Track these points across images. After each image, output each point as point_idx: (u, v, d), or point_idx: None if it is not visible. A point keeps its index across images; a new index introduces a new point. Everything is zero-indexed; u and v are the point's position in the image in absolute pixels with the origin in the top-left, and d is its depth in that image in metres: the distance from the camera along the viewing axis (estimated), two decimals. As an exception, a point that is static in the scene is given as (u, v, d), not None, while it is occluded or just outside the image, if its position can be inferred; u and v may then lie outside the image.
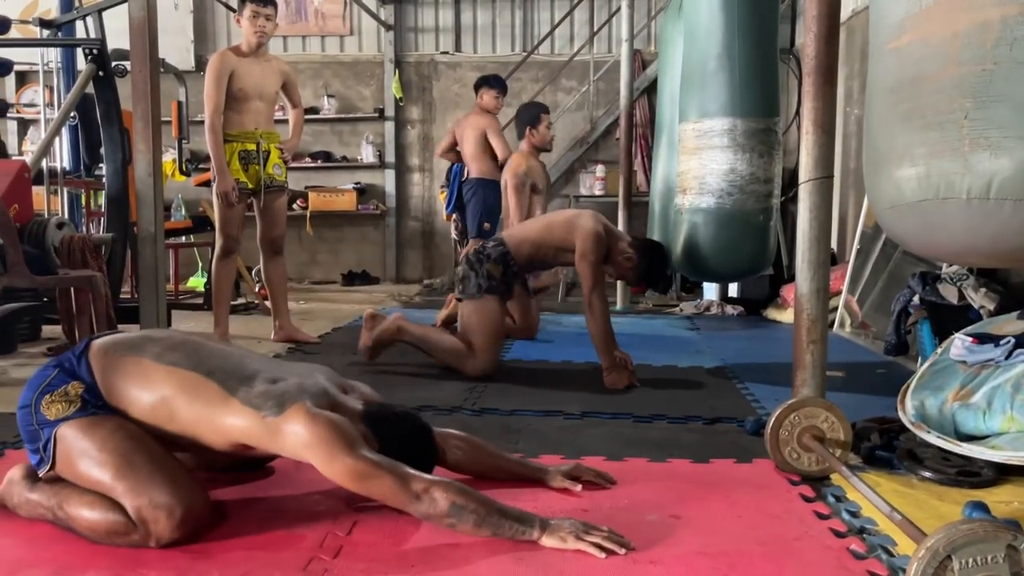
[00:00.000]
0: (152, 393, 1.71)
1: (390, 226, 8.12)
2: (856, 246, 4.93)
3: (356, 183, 8.03)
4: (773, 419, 2.22)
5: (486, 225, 5.41)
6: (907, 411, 2.37)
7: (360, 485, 1.61)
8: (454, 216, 6.06)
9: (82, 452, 1.67)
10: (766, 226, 3.59)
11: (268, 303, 4.66)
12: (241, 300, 5.91)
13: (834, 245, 5.98)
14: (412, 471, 1.63)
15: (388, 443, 1.73)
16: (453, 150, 5.66)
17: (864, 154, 1.97)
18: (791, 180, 5.70)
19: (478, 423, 2.69)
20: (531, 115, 4.73)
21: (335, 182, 8.07)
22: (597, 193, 7.44)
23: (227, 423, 1.68)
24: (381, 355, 3.64)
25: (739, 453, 2.42)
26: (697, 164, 3.58)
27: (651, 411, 2.93)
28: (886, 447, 2.37)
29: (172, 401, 1.70)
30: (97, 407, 1.73)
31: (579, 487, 1.99)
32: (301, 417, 1.65)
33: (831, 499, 2.03)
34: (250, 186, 4.19)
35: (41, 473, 1.73)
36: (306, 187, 7.98)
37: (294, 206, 7.75)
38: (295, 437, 1.64)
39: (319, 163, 8.09)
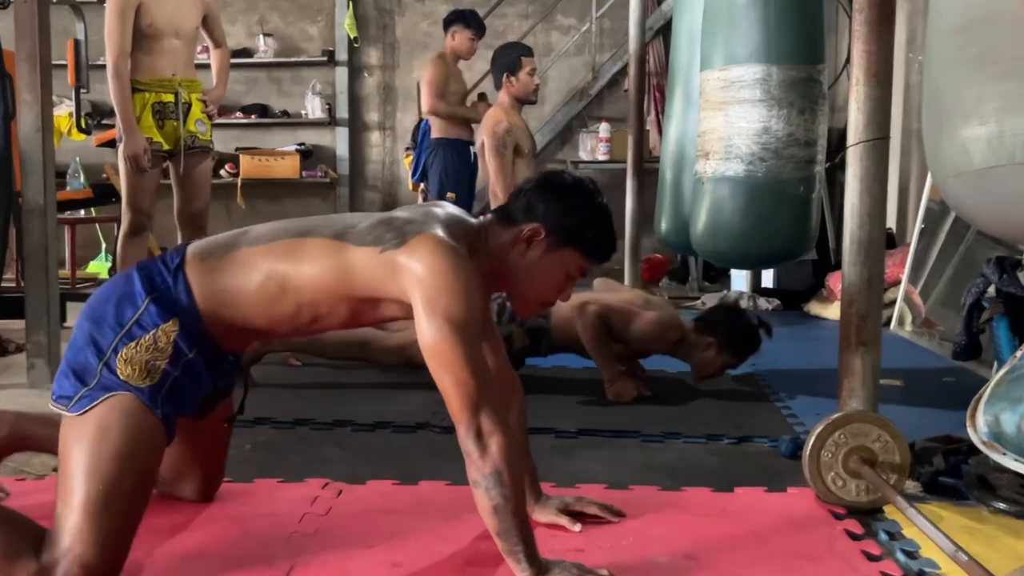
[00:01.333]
0: (256, 273, 1.79)
1: (342, 198, 8.10)
2: (919, 225, 4.98)
3: (300, 144, 8.00)
4: (813, 438, 2.23)
5: (449, 195, 5.42)
6: (978, 428, 2.39)
7: (435, 365, 1.68)
8: (422, 185, 6.06)
9: (90, 441, 1.69)
10: (807, 199, 3.60)
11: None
12: (155, 290, 5.87)
13: (892, 224, 6.03)
14: (500, 402, 1.71)
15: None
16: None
17: (923, 110, 1.99)
18: (840, 143, 5.74)
19: (447, 443, 2.69)
20: (509, 59, 4.74)
21: (273, 143, 8.04)
22: (600, 158, 7.46)
23: (340, 274, 1.76)
24: (312, 360, 3.68)
25: (771, 480, 2.44)
26: (722, 122, 3.59)
27: (663, 428, 2.95)
28: (952, 472, 2.39)
29: (278, 272, 1.78)
30: (187, 362, 1.78)
31: (578, 527, 2.01)
32: (425, 246, 1.70)
33: (883, 536, 2.05)
34: (166, 147, 4.17)
35: (57, 407, 1.75)
36: (237, 149, 7.95)
37: (221, 172, 7.72)
38: (409, 272, 1.69)
39: (253, 119, 8.05)
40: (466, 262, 1.72)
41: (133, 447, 1.70)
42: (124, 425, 1.70)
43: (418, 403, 3.20)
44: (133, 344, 1.75)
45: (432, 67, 5.50)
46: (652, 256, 7.18)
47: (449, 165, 5.46)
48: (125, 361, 1.74)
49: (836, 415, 2.25)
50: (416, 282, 1.68)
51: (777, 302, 5.77)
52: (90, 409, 1.71)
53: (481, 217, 1.93)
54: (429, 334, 1.66)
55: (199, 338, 1.80)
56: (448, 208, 1.92)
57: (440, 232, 1.74)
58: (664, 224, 4.75)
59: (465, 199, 5.60)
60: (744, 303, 5.79)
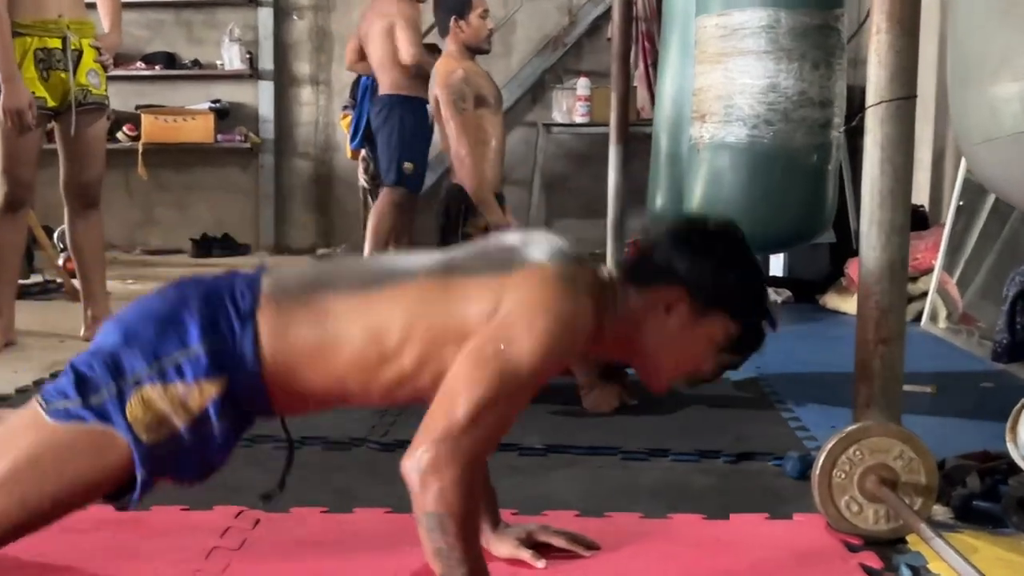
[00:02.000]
0: (354, 329, 1.77)
1: (266, 167, 8.08)
2: (956, 202, 5.03)
3: (215, 101, 7.95)
4: (824, 455, 2.25)
5: (407, 166, 5.41)
6: (1020, 443, 2.43)
7: (463, 371, 1.70)
8: (363, 152, 6.04)
9: (39, 460, 1.71)
10: (823, 171, 3.63)
11: (77, 282, 4.62)
12: (36, 278, 5.84)
13: (923, 200, 6.09)
14: (478, 465, 1.72)
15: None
16: (366, 58, 5.66)
17: (948, 65, 2.01)
18: (862, 104, 5.77)
19: (389, 462, 2.68)
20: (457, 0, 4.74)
21: (182, 99, 7.99)
22: (578, 120, 7.47)
23: (452, 314, 1.76)
24: None
25: (774, 505, 2.45)
26: (722, 78, 3.60)
27: (648, 444, 2.96)
28: (988, 495, 2.42)
29: (381, 324, 1.77)
30: (208, 431, 1.75)
31: (542, 563, 2.02)
32: (541, 280, 1.74)
33: (906, 572, 2.07)
34: (51, 104, 4.12)
35: (38, 400, 1.75)
36: (137, 107, 7.88)
37: (118, 136, 7.66)
38: (515, 300, 1.72)
39: (157, 70, 7.99)
40: (578, 311, 1.74)
41: (80, 497, 1.72)
42: (88, 468, 1.71)
43: (356, 414, 3.19)
44: (160, 387, 1.72)
45: (406, 6, 5.46)
46: (640, 239, 7.22)
47: (405, 128, 5.45)
48: (140, 402, 1.72)
49: (851, 427, 2.27)
50: (518, 311, 1.71)
51: (788, 293, 5.81)
52: (67, 425, 1.71)
53: (604, 270, 1.91)
54: (485, 347, 1.69)
55: (242, 403, 1.77)
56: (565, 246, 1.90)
57: (556, 264, 1.76)
58: (659, 199, 4.76)
59: (422, 171, 5.60)
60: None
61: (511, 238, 1.90)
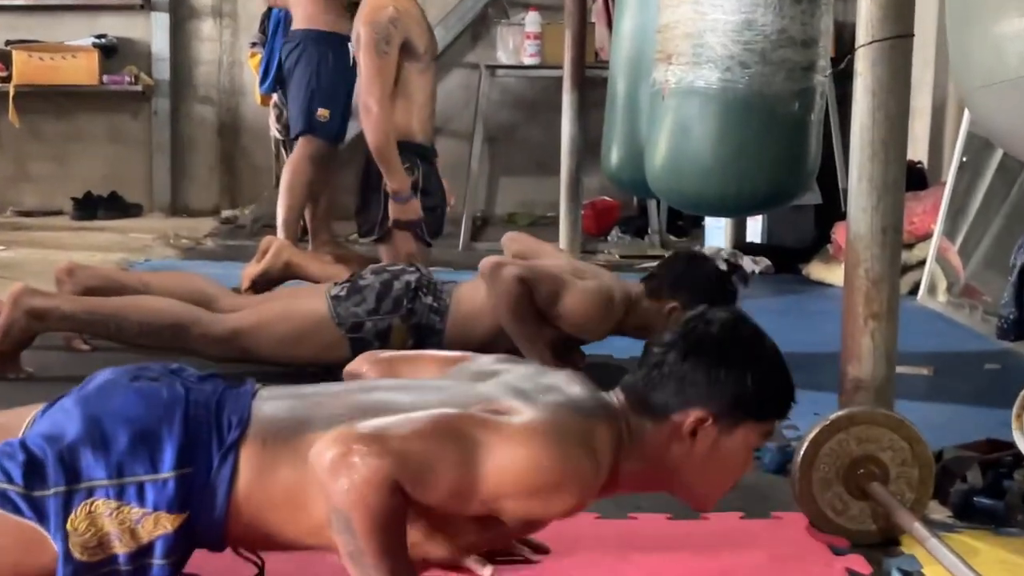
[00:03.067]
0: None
1: (161, 114, 7.99)
2: (959, 158, 5.08)
3: (99, 36, 7.85)
4: (806, 445, 2.29)
5: (321, 113, 5.39)
6: (1027, 431, 2.47)
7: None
8: (274, 97, 6.00)
9: None
10: (805, 120, 3.65)
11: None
12: None
13: (921, 155, 6.16)
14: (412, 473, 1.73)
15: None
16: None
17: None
18: (851, 43, 5.80)
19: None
20: None
21: (60, 34, 7.87)
22: (527, 62, 7.43)
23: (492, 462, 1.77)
24: (107, 346, 3.69)
25: (750, 502, 2.49)
26: (691, 12, 3.60)
27: (607, 435, 2.99)
28: (991, 491, 2.46)
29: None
30: (146, 565, 1.76)
31: (488, 570, 2.03)
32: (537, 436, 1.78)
33: (898, 577, 2.12)
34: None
35: None
36: (8, 43, 7.77)
37: (-15, 76, 7.56)
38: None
39: (31, 0, 7.88)
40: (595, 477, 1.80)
41: None
42: (8, 560, 1.72)
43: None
44: (114, 504, 1.73)
45: None
46: (598, 200, 7.24)
47: (322, 69, 5.41)
48: (87, 515, 1.72)
49: (836, 414, 2.31)
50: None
51: (767, 263, 5.84)
52: None
53: (612, 396, 1.96)
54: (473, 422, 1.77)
55: (195, 540, 1.79)
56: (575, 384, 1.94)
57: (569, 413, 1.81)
58: (615, 155, 4.78)
59: (340, 118, 5.58)
60: (720, 263, 5.88)
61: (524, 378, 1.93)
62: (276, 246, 4.32)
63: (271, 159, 7.29)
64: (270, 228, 5.90)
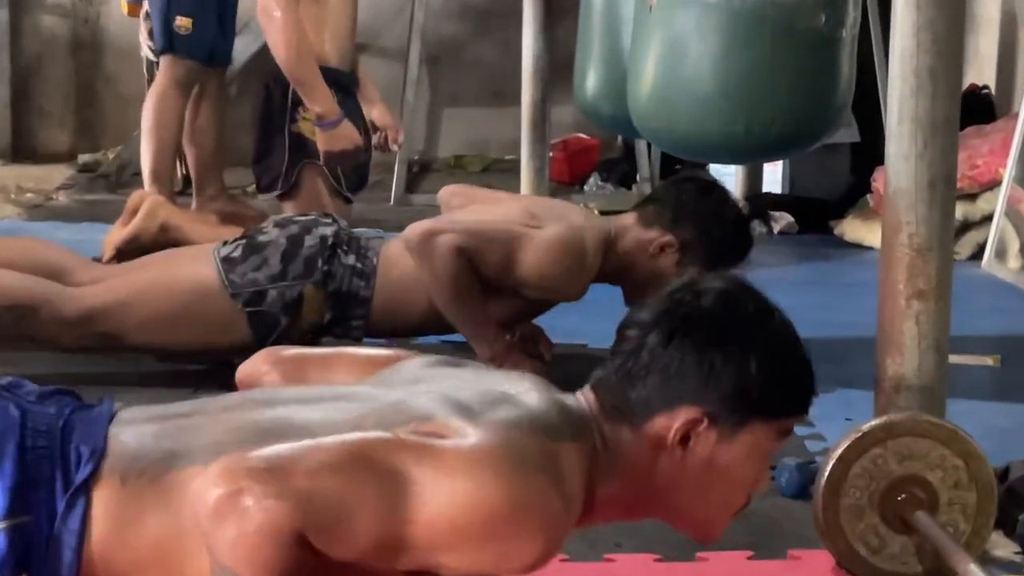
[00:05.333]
0: None
1: (-2, 29, 7.96)
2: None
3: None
4: (832, 463, 2.31)
5: (180, 23, 5.37)
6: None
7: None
8: (145, 6, 5.96)
9: None
10: (833, 37, 3.65)
11: None
12: None
13: (987, 79, 6.18)
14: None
15: None
16: None
17: None
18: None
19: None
20: None
21: None
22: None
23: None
24: None
25: (761, 537, 2.51)
26: None
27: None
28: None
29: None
30: None
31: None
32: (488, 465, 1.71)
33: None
34: None
35: None
36: None
37: None
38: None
39: None
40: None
41: None
42: None
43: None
44: None
45: None
46: (571, 138, 7.23)
47: None
48: None
49: (871, 423, 2.32)
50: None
51: (789, 219, 5.87)
52: None
53: (580, 399, 1.90)
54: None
55: None
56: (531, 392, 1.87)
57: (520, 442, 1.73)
58: (591, 83, 4.78)
59: (212, 29, 5.56)
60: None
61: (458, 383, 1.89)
62: (149, 204, 4.29)
63: (144, 87, 7.23)
64: (141, 178, 5.87)
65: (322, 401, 1.87)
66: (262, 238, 3.56)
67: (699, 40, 3.66)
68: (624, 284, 3.60)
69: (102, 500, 1.74)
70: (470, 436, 1.72)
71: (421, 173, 7.49)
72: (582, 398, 1.88)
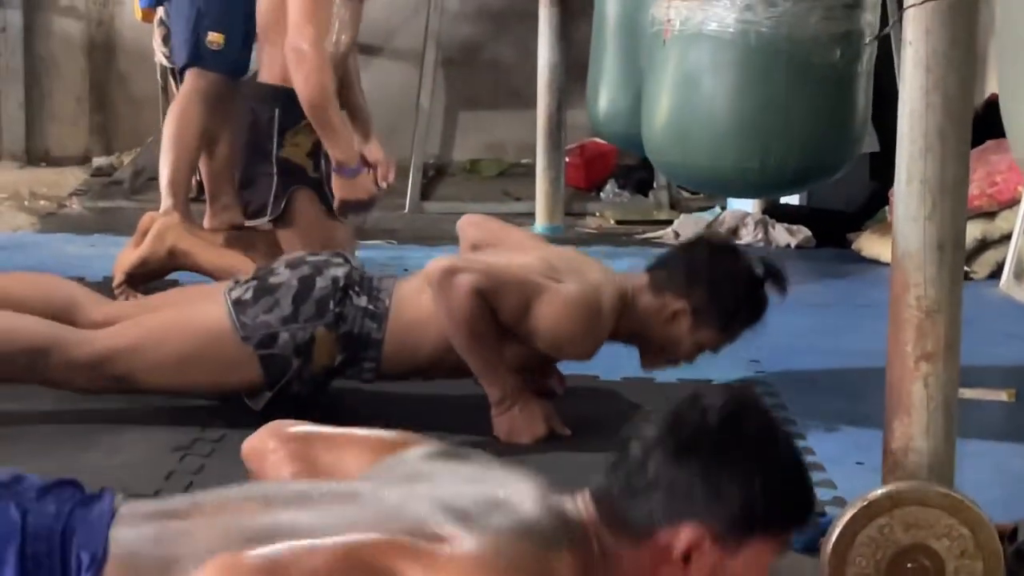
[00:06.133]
0: None
1: (11, 30, 7.94)
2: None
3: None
4: (837, 533, 2.30)
5: (212, 39, 5.36)
6: None
7: None
8: (159, 12, 5.95)
9: None
10: (849, 73, 3.64)
11: None
12: None
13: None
14: None
15: None
16: None
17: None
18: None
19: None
20: None
21: None
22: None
23: None
24: None
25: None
26: (699, -69, 3.61)
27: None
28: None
29: None
30: None
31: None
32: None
33: None
34: None
35: None
36: None
37: None
38: None
39: None
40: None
41: None
42: None
43: (147, 453, 3.23)
44: None
45: None
46: (588, 143, 7.19)
47: None
48: None
49: (876, 492, 2.32)
50: None
51: (806, 233, 5.85)
52: None
53: (578, 506, 1.90)
54: None
55: None
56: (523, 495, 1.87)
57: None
58: (603, 102, 4.77)
59: (239, 44, 5.54)
60: (747, 234, 5.88)
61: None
62: (157, 227, 4.29)
63: (156, 91, 7.21)
64: (156, 183, 5.84)
65: (321, 501, 1.88)
66: (273, 279, 3.53)
67: (713, 75, 3.65)
68: (639, 346, 3.59)
69: None
70: (465, 543, 1.73)
71: (436, 178, 7.46)
72: (581, 505, 1.88)
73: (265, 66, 4.42)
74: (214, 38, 5.35)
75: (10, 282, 3.88)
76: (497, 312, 3.41)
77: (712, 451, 1.85)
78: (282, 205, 4.25)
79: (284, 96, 4.21)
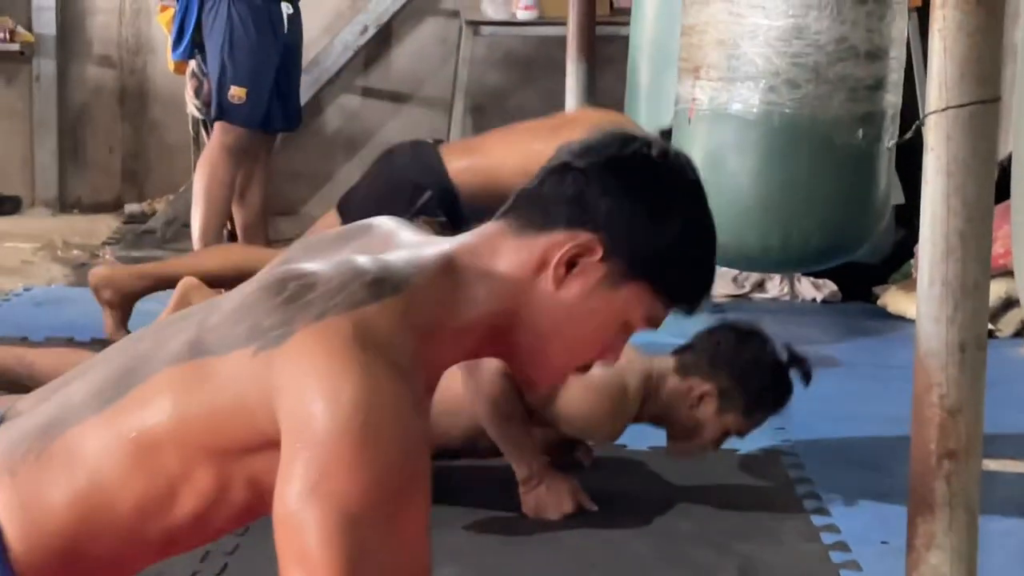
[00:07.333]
0: (113, 461, 1.71)
1: (44, 78, 7.99)
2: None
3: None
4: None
5: (234, 93, 5.41)
6: None
7: (288, 556, 1.62)
8: (191, 64, 6.00)
9: None
10: (870, 153, 3.65)
11: None
12: None
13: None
14: None
15: None
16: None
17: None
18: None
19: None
20: None
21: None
22: (521, 17, 7.45)
23: (202, 405, 1.71)
24: None
25: None
26: (723, 13, 3.61)
27: (612, 572, 3.05)
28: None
29: (142, 445, 1.71)
30: None
31: None
32: (320, 353, 1.62)
33: None
34: None
35: None
36: None
37: None
38: (285, 400, 1.63)
39: None
40: (399, 389, 1.60)
41: None
42: None
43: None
44: None
45: None
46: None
47: (236, 35, 5.45)
48: None
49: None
50: (295, 426, 1.61)
51: (832, 287, 5.88)
52: None
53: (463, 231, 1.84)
54: (296, 511, 1.57)
55: None
56: (390, 232, 1.85)
57: (363, 312, 1.63)
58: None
59: (264, 100, 5.60)
60: (773, 287, 5.90)
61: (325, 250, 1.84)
62: (180, 288, 4.32)
63: (188, 140, 7.25)
64: (188, 231, 5.88)
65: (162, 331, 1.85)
66: None
67: (737, 153, 3.67)
68: (666, 429, 3.63)
69: (3, 504, 1.72)
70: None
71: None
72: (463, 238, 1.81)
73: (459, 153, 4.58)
74: (236, 92, 5.44)
75: (38, 358, 3.94)
76: (524, 393, 3.45)
77: (642, 179, 1.78)
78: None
79: (451, 193, 4.35)
